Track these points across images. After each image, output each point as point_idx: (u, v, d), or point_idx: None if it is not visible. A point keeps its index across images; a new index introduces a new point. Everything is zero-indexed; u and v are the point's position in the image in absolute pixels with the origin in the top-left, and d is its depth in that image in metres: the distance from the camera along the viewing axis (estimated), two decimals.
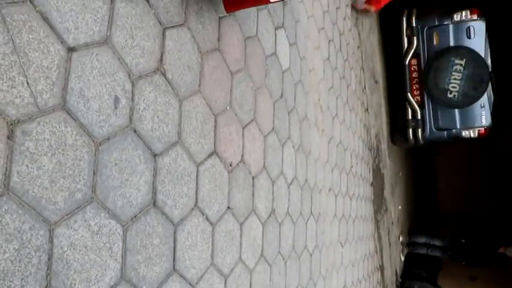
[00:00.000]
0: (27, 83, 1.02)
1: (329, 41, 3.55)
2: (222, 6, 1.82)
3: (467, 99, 5.46)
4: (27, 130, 1.01)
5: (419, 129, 5.61)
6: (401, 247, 6.63)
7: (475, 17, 5.34)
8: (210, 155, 1.72)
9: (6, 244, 0.94)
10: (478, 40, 5.34)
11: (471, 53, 5.29)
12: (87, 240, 1.14)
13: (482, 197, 9.92)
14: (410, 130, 5.67)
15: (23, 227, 0.98)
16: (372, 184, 4.91)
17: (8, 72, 0.98)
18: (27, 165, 1.00)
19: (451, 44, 5.41)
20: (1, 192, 0.94)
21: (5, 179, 0.95)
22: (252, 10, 2.16)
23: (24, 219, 0.99)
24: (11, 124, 0.97)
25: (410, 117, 5.69)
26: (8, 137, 0.97)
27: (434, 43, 5.48)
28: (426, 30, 5.51)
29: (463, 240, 6.32)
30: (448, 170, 10.72)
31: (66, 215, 1.09)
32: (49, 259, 1.04)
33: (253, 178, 2.05)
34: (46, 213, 1.04)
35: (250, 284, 2.01)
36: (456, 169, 10.51)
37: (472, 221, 8.96)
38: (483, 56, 5.31)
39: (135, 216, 1.32)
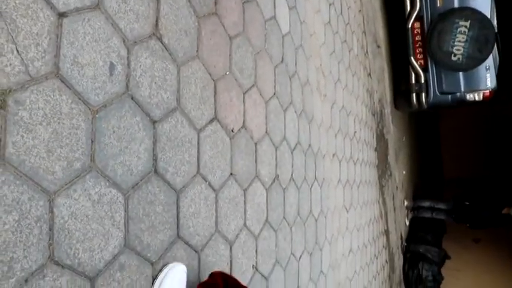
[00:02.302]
0: (17, 51, 0.98)
1: (329, 4, 3.47)
2: None
3: (472, 62, 5.34)
4: (20, 99, 0.98)
5: (423, 94, 5.53)
6: (406, 211, 6.66)
7: None
8: (210, 121, 1.69)
9: (6, 215, 0.93)
10: (483, 0, 5.20)
11: (476, 14, 5.15)
12: (88, 210, 1.13)
13: (486, 161, 9.91)
14: (414, 94, 5.60)
15: (21, 198, 0.97)
16: (375, 149, 4.89)
17: None
18: (22, 136, 0.98)
19: (455, 5, 5.27)
20: None
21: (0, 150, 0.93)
22: None
23: (22, 190, 0.97)
24: (3, 93, 0.94)
25: (413, 81, 5.61)
26: (1, 107, 0.94)
27: (438, 5, 5.34)
28: None
29: (467, 203, 6.33)
30: (452, 135, 10.68)
31: (66, 184, 1.07)
32: (50, 229, 1.03)
33: (255, 144, 2.03)
34: (45, 183, 1.02)
35: (256, 250, 2.01)
36: (460, 133, 10.47)
37: (476, 185, 8.98)
38: (489, 16, 5.18)
39: (136, 184, 1.30)
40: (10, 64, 0.97)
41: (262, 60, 2.17)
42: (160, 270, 1.37)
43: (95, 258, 1.14)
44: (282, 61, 2.40)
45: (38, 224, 1.00)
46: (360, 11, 4.58)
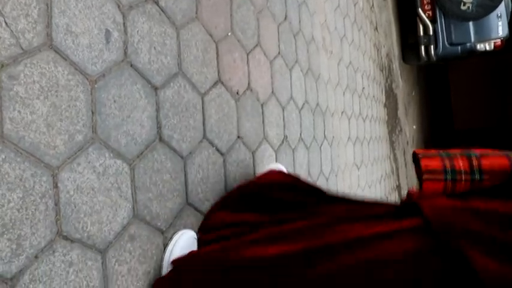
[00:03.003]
0: (6, 23, 0.94)
1: None
2: None
3: (483, 10, 5.15)
4: (13, 74, 0.94)
5: (432, 46, 5.39)
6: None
7: None
8: (214, 84, 1.64)
9: (10, 193, 0.91)
10: None
11: None
12: (93, 182, 1.11)
13: (496, 111, 9.76)
14: (423, 47, 5.46)
15: (24, 175, 0.95)
16: (385, 105, 4.82)
17: None
18: (19, 111, 0.95)
19: None
20: None
21: None
22: None
23: (24, 167, 0.95)
24: None
25: (421, 33, 5.45)
26: None
27: None
28: None
29: None
30: (462, 87, 10.48)
31: (68, 158, 1.05)
32: (56, 204, 1.01)
33: (262, 105, 1.99)
34: (47, 158, 1.00)
35: None
36: (470, 85, 10.26)
37: (487, 136, 8.88)
38: None
39: (141, 154, 1.28)
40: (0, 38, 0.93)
41: (265, 18, 2.10)
42: (171, 238, 1.36)
43: (104, 230, 1.13)
44: (285, 19, 2.32)
45: (43, 200, 0.98)
46: None
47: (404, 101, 5.98)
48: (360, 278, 0.93)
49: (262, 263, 1.07)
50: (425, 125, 7.73)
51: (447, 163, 1.09)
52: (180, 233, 1.39)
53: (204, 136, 1.56)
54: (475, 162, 1.07)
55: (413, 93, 6.69)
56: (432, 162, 1.10)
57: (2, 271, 0.88)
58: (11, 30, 0.95)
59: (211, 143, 1.60)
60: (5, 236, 0.89)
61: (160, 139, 1.35)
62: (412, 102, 6.62)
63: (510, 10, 5.39)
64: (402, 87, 5.85)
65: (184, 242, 1.37)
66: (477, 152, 1.11)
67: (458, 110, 10.64)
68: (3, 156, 0.91)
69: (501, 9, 5.23)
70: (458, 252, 0.84)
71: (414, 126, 6.59)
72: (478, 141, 7.34)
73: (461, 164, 1.08)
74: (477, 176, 1.06)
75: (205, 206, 1.55)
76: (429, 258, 0.88)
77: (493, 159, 1.07)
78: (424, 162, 1.11)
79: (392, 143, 5.10)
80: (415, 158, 1.15)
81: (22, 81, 0.96)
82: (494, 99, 9.85)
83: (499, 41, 5.35)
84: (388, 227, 0.96)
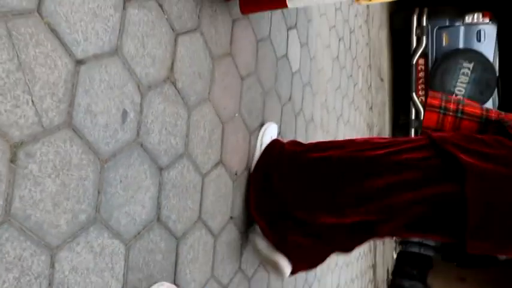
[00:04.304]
0: (32, 102, 0.96)
1: (339, 39, 3.48)
2: (237, 8, 1.75)
3: None
4: (30, 152, 0.95)
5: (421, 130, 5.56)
6: (395, 245, 6.65)
7: (486, 20, 5.25)
8: (216, 165, 1.67)
9: (6, 273, 0.90)
10: (487, 44, 5.26)
11: (480, 57, 5.21)
12: (89, 263, 1.10)
13: None
14: (413, 130, 5.63)
15: (23, 254, 0.94)
16: None
17: (13, 90, 0.92)
18: (29, 189, 0.95)
19: (460, 46, 5.33)
20: (2, 220, 0.89)
21: (6, 205, 0.90)
22: (266, 11, 2.09)
23: (25, 246, 0.94)
24: (15, 147, 0.92)
25: (413, 117, 5.64)
26: (11, 161, 0.91)
27: (443, 44, 5.40)
28: (436, 30, 5.42)
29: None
30: None
31: (69, 237, 1.05)
32: (49, 284, 1.00)
33: None
34: (48, 237, 0.99)
35: None
36: None
37: None
38: (491, 60, 5.24)
39: (138, 234, 1.27)
40: (24, 116, 0.94)
41: (271, 99, 2.16)
42: None
43: None
44: (289, 99, 2.39)
45: (38, 281, 0.97)
46: (367, 44, 4.61)
47: None
48: (392, 164, 1.53)
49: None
50: None
51: (443, 103, 1.69)
52: None
53: (200, 217, 1.57)
54: (460, 107, 1.68)
55: None
56: (434, 101, 1.70)
57: None
58: (36, 109, 0.97)
59: (205, 224, 1.60)
60: None
61: (158, 219, 1.35)
62: None
63: (497, 106, 5.62)
64: None
65: None
66: (466, 101, 1.73)
67: None
68: (7, 235, 0.90)
69: (489, 104, 5.47)
70: (451, 154, 1.43)
71: None
72: None
73: (451, 106, 1.68)
74: (459, 115, 1.66)
75: (192, 287, 1.53)
76: (432, 159, 1.48)
77: (472, 108, 1.69)
78: (428, 100, 1.72)
79: None
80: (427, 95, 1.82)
81: (37, 160, 0.97)
82: None
83: None
84: (409, 145, 1.58)
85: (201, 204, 1.57)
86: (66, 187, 1.04)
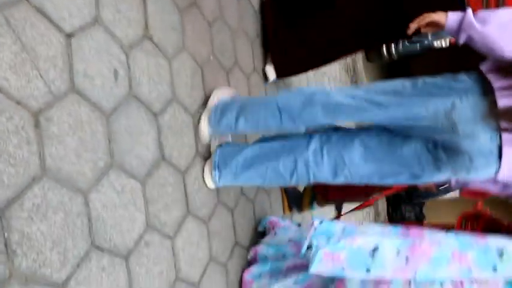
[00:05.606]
0: (40, 75, 1.15)
1: None
2: None
3: None
4: (49, 117, 1.15)
5: (393, 45, 5.71)
6: None
7: None
8: (202, 105, 1.87)
9: (54, 216, 1.12)
10: None
11: None
12: (115, 200, 1.33)
13: None
14: (384, 46, 5.77)
15: (63, 199, 1.16)
16: None
17: (23, 68, 1.10)
18: (55, 147, 1.16)
19: None
20: (41, 174, 1.10)
21: (41, 163, 1.11)
22: None
23: (63, 193, 1.16)
24: (36, 114, 1.12)
25: None
26: (35, 126, 1.11)
27: None
28: None
29: None
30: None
31: (95, 181, 1.27)
32: (89, 220, 1.23)
33: None
34: (79, 183, 1.21)
35: (253, 212, 2.25)
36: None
37: None
38: None
39: (148, 172, 1.50)
40: (37, 88, 1.13)
41: (240, 39, 2.33)
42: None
43: (126, 239, 1.35)
44: (257, 36, 2.56)
45: (79, 218, 1.20)
46: None
47: None
48: None
49: None
50: None
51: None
52: None
53: (197, 151, 1.79)
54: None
55: None
56: None
57: (55, 278, 1.09)
58: (44, 81, 1.16)
59: (204, 157, 1.83)
60: (55, 250, 1.11)
61: (163, 158, 1.58)
62: None
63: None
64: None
65: None
66: None
67: None
68: (48, 186, 1.12)
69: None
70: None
71: None
72: None
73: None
74: None
75: (203, 213, 1.78)
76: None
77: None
78: None
79: None
80: None
81: (55, 122, 1.17)
82: None
83: (453, 39, 5.69)
84: None
85: (196, 141, 1.79)
86: (83, 141, 1.24)
